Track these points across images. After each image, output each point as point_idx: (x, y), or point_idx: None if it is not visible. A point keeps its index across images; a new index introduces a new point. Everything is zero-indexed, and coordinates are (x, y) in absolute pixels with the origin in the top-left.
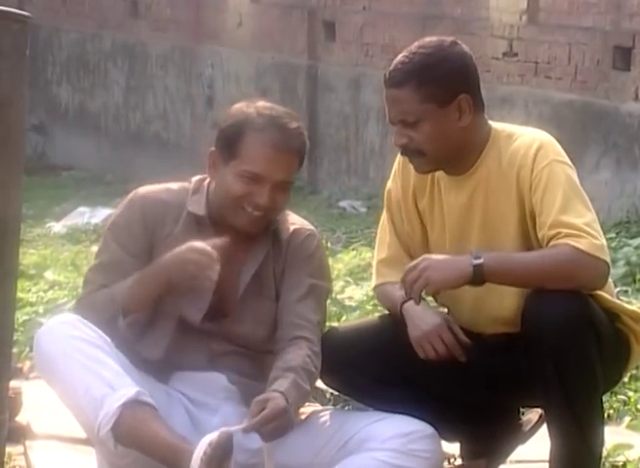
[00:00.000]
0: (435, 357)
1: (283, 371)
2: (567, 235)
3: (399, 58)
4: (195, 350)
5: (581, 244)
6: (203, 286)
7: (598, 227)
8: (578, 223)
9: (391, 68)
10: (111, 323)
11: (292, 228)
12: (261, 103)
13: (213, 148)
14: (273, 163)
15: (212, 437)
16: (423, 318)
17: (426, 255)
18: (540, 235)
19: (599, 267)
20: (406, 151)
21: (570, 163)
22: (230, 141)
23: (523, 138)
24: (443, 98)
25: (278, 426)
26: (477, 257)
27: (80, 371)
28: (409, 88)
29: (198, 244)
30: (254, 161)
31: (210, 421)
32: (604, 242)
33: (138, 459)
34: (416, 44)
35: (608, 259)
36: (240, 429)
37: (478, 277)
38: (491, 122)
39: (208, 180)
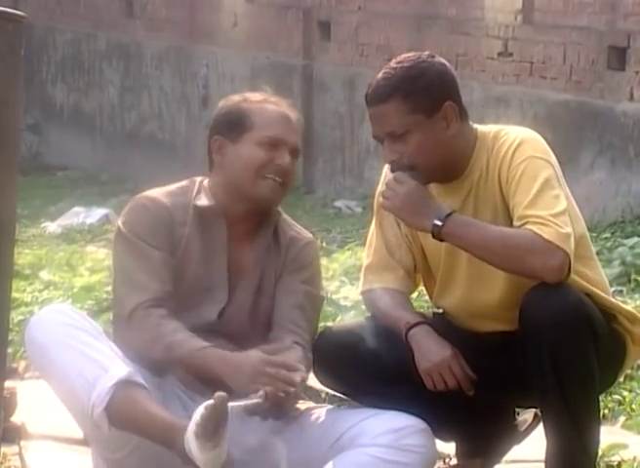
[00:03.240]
0: (444, 389)
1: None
2: (534, 223)
3: (379, 75)
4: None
5: (545, 231)
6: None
7: (566, 219)
8: (543, 214)
9: (373, 86)
10: (159, 360)
11: (291, 233)
12: (247, 92)
13: (216, 136)
14: (286, 126)
15: (207, 402)
16: (433, 349)
17: (415, 185)
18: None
19: (557, 256)
20: (397, 167)
21: (550, 159)
22: (238, 119)
23: (507, 137)
24: (430, 108)
25: (286, 384)
26: (440, 218)
27: (72, 356)
28: (395, 101)
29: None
30: (271, 126)
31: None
32: (569, 231)
33: (132, 452)
34: (393, 61)
35: (568, 250)
36: (248, 402)
37: (436, 235)
38: (476, 125)
39: (204, 179)
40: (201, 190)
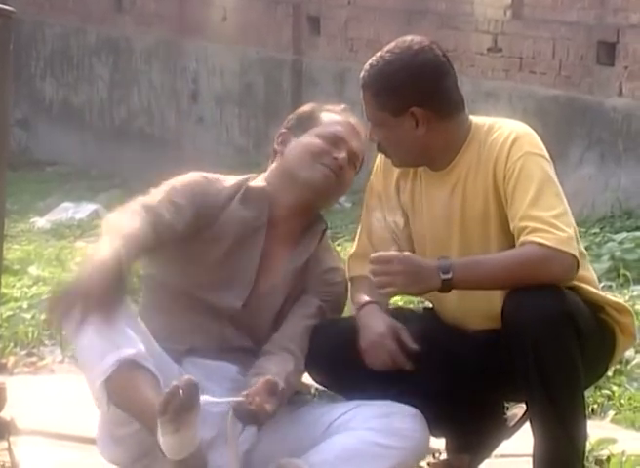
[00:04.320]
0: (381, 366)
1: (276, 374)
2: (533, 230)
3: (372, 58)
4: (209, 335)
5: (547, 239)
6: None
7: (568, 219)
8: (546, 217)
9: (364, 67)
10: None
11: (328, 252)
12: None
13: (283, 130)
14: (350, 131)
15: (174, 382)
16: (371, 326)
17: (403, 257)
18: (511, 226)
19: (565, 260)
20: (378, 148)
21: (546, 155)
22: (307, 118)
23: (501, 131)
24: (395, 109)
25: (263, 403)
26: (445, 271)
27: (94, 335)
28: (368, 93)
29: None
30: (334, 125)
31: (210, 411)
32: (571, 234)
33: (136, 432)
34: (391, 44)
35: (574, 251)
36: (223, 400)
37: (446, 288)
38: (472, 117)
39: (255, 177)
40: (256, 178)
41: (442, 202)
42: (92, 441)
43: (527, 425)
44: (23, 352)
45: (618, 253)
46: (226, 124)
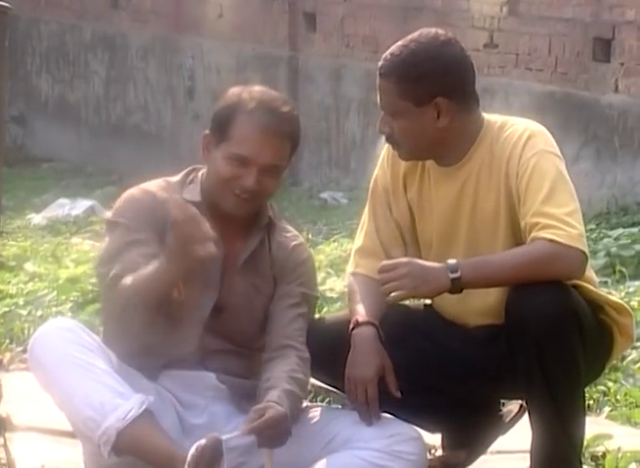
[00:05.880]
0: (354, 403)
1: (274, 382)
2: (545, 226)
3: (394, 47)
4: (186, 346)
5: (558, 236)
6: (203, 257)
7: (579, 216)
8: (557, 214)
9: (384, 55)
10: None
11: (279, 239)
12: (256, 88)
13: (207, 131)
14: (261, 146)
15: (200, 441)
16: (363, 360)
17: (407, 260)
18: (522, 224)
19: (576, 257)
20: (387, 139)
21: (559, 154)
22: (222, 124)
23: (514, 128)
24: (419, 98)
25: (277, 433)
26: (454, 270)
27: (78, 378)
28: (390, 81)
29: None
30: (241, 143)
31: (197, 422)
32: (582, 231)
33: (123, 462)
34: (414, 35)
35: (585, 249)
36: (237, 435)
37: (456, 288)
38: (485, 114)
39: (202, 170)
40: (194, 182)
41: (451, 198)
42: None
43: (523, 421)
44: (19, 348)
45: (613, 250)
46: None
